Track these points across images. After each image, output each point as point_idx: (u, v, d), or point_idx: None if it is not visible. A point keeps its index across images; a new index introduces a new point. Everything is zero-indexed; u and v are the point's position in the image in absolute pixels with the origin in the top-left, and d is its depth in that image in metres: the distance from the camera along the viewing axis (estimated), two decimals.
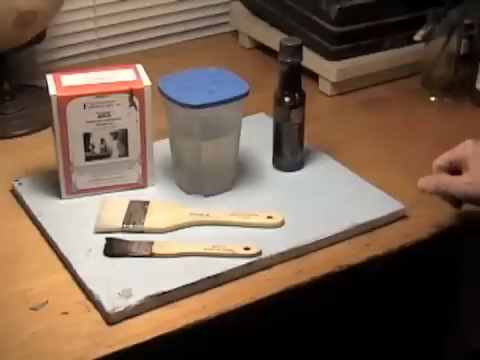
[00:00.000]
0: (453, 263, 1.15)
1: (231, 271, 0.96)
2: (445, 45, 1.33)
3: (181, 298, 0.93)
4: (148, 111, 1.07)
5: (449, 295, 1.31)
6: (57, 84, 1.05)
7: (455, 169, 1.02)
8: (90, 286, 0.93)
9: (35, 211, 1.06)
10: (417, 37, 1.34)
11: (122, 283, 0.93)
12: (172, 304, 0.93)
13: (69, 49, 1.48)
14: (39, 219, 1.05)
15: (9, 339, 0.88)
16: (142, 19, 1.54)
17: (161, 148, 1.13)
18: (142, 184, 1.11)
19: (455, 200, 1.04)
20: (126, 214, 1.04)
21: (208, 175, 1.09)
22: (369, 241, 1.03)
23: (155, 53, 1.53)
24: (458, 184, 1.00)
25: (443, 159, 1.04)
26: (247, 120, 1.16)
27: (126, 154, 1.09)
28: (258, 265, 0.98)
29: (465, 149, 1.02)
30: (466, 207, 1.05)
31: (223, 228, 1.03)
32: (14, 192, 1.11)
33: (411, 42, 1.38)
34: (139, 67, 1.10)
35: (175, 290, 0.93)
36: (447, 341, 1.37)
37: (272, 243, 1.00)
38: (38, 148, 1.19)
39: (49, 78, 1.06)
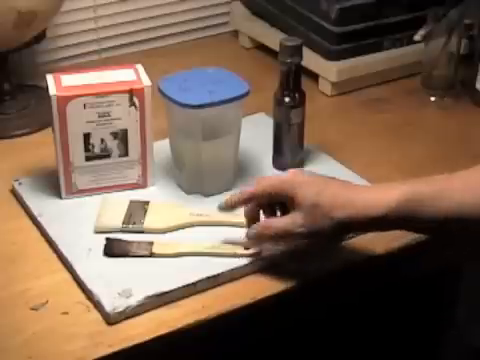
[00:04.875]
0: (453, 262, 1.15)
1: (231, 271, 0.96)
2: (445, 45, 1.33)
3: (181, 298, 0.93)
4: (148, 111, 1.07)
5: (449, 293, 1.32)
6: (57, 84, 1.05)
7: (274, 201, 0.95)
8: (90, 286, 0.93)
9: (35, 211, 1.06)
10: (417, 37, 1.34)
11: (122, 283, 0.93)
12: (172, 304, 0.93)
13: (69, 49, 1.48)
14: (39, 219, 1.05)
15: (9, 339, 0.88)
16: (142, 19, 1.54)
17: (161, 148, 1.13)
18: (142, 184, 1.11)
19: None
20: (126, 214, 1.04)
21: (208, 175, 1.09)
22: (369, 241, 1.03)
23: (155, 53, 1.53)
24: (294, 230, 0.91)
25: (264, 196, 0.94)
26: (247, 120, 1.16)
27: (126, 154, 1.09)
28: (258, 265, 0.98)
29: (291, 186, 0.92)
30: None
31: (223, 228, 1.03)
32: (14, 192, 1.11)
33: (411, 42, 1.38)
34: (139, 67, 1.10)
35: (175, 290, 0.93)
36: (447, 339, 1.37)
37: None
38: (38, 148, 1.19)
39: (49, 78, 1.06)
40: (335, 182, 0.94)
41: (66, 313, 0.92)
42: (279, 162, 1.15)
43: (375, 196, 0.90)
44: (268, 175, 1.13)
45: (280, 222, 0.93)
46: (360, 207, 0.89)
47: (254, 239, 0.96)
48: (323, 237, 0.92)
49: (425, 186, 0.89)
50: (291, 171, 0.96)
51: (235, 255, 0.98)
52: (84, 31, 1.49)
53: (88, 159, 1.07)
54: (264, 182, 0.95)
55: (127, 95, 1.05)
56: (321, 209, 0.90)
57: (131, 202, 1.06)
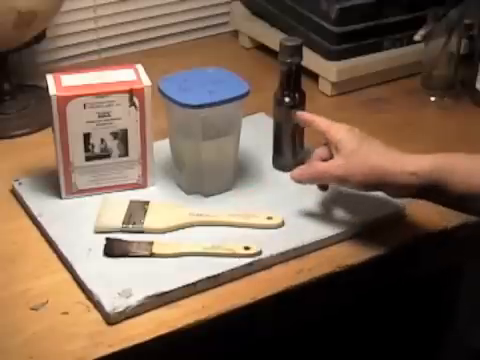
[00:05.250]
0: (453, 263, 1.15)
1: (231, 271, 0.96)
2: (445, 45, 1.33)
3: (181, 298, 0.93)
4: (148, 111, 1.07)
5: (449, 294, 1.32)
6: (57, 84, 1.05)
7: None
8: (90, 286, 0.93)
9: (35, 211, 1.06)
10: (417, 37, 1.34)
11: (122, 283, 0.93)
12: (172, 304, 0.93)
13: (69, 49, 1.48)
14: (39, 219, 1.05)
15: (10, 339, 0.88)
16: (142, 19, 1.54)
17: (161, 148, 1.13)
18: (142, 184, 1.11)
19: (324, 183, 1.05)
20: (126, 214, 1.04)
21: (208, 175, 1.09)
22: (369, 241, 1.03)
23: (155, 53, 1.53)
24: (331, 170, 0.99)
25: (320, 129, 1.03)
26: (247, 120, 1.16)
27: (126, 154, 1.09)
28: (258, 265, 0.98)
29: (336, 131, 1.00)
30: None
31: (223, 228, 1.03)
32: (14, 192, 1.11)
33: (411, 42, 1.38)
34: (139, 67, 1.10)
35: (175, 290, 0.93)
36: (446, 340, 1.37)
37: (272, 243, 1.00)
38: (38, 148, 1.19)
39: (49, 78, 1.06)
40: (377, 140, 1.00)
41: (66, 313, 0.92)
42: (279, 162, 1.15)
43: (411, 156, 0.95)
44: (268, 175, 1.14)
45: (322, 163, 1.01)
46: (394, 159, 0.95)
47: (297, 177, 1.02)
48: (355, 183, 0.97)
49: (461, 160, 0.93)
50: (340, 123, 1.03)
51: (235, 255, 0.98)
52: (84, 31, 1.49)
53: (88, 159, 1.07)
54: (320, 118, 1.05)
55: (127, 95, 1.05)
56: (358, 156, 0.97)
57: (131, 202, 1.06)
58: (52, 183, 1.09)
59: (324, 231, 1.02)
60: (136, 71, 1.09)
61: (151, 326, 0.90)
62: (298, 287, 0.96)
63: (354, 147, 0.98)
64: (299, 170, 1.02)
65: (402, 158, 0.95)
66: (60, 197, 1.08)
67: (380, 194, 1.08)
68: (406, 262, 1.05)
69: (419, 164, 0.93)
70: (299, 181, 1.02)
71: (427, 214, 1.07)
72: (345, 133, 1.00)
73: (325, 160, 1.01)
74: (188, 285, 0.94)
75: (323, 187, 1.05)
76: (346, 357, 1.36)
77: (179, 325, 0.90)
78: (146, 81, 1.07)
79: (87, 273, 0.95)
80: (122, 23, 1.52)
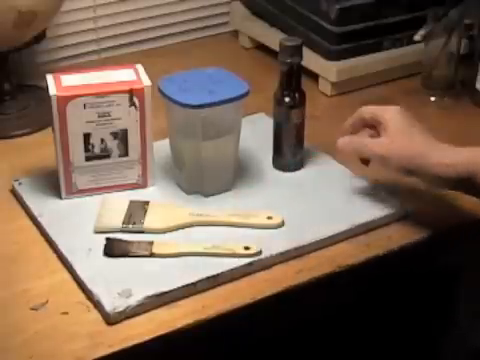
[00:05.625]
0: (453, 262, 1.15)
1: (231, 271, 0.96)
2: (445, 45, 1.33)
3: (181, 298, 0.93)
4: (148, 111, 1.07)
5: (449, 293, 1.31)
6: (57, 84, 1.05)
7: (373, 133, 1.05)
8: (90, 286, 0.93)
9: (35, 211, 1.06)
10: (417, 37, 1.34)
11: (122, 283, 0.93)
12: (172, 304, 0.93)
13: (69, 49, 1.48)
14: (39, 219, 1.05)
15: (10, 339, 0.88)
16: (142, 19, 1.54)
17: (161, 148, 1.13)
18: (142, 184, 1.11)
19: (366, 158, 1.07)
20: (126, 214, 1.04)
21: (208, 175, 1.09)
22: (369, 241, 1.03)
23: (155, 53, 1.53)
24: (374, 147, 1.01)
25: (368, 112, 1.04)
26: (247, 120, 1.16)
27: (126, 154, 1.09)
28: (258, 265, 0.98)
29: (385, 111, 1.02)
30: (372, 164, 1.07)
31: (223, 228, 1.03)
32: (14, 192, 1.11)
33: (411, 42, 1.38)
34: (139, 67, 1.10)
35: (175, 290, 0.93)
36: (447, 339, 1.37)
37: (272, 243, 1.00)
38: (38, 148, 1.19)
39: (49, 78, 1.06)
40: (424, 128, 1.02)
41: (66, 313, 0.92)
42: (279, 162, 1.15)
43: (451, 148, 0.98)
44: (268, 175, 1.14)
45: (368, 139, 1.04)
46: (434, 149, 0.97)
47: (341, 145, 1.05)
48: (394, 165, 1.00)
49: None
50: (386, 107, 1.05)
51: (235, 255, 0.98)
52: (84, 31, 1.49)
53: (88, 159, 1.07)
54: (367, 110, 1.05)
55: (127, 95, 1.05)
56: (402, 139, 0.99)
57: (131, 202, 1.06)
58: (52, 183, 1.09)
59: (324, 231, 1.02)
60: (136, 71, 1.09)
61: (151, 326, 0.90)
62: (298, 287, 0.96)
63: (400, 129, 1.00)
64: (346, 139, 1.05)
65: (442, 149, 0.97)
66: (60, 197, 1.08)
67: (380, 194, 1.09)
68: (406, 262, 1.05)
69: (456, 157, 0.95)
70: (342, 149, 1.05)
71: (427, 214, 1.07)
72: (395, 114, 1.02)
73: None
74: (188, 285, 0.94)
75: (365, 162, 1.07)
76: (346, 357, 1.36)
77: (179, 325, 0.90)
78: (146, 81, 1.07)
79: (87, 273, 0.95)
80: (122, 23, 1.52)
